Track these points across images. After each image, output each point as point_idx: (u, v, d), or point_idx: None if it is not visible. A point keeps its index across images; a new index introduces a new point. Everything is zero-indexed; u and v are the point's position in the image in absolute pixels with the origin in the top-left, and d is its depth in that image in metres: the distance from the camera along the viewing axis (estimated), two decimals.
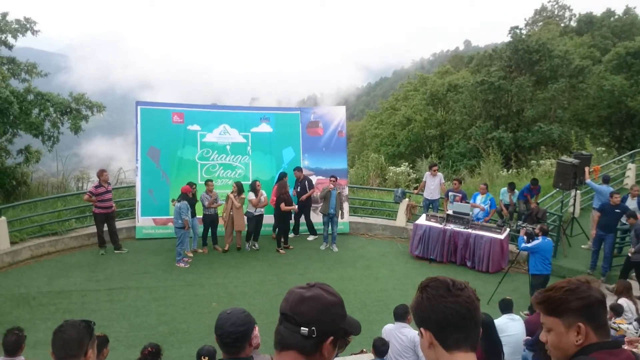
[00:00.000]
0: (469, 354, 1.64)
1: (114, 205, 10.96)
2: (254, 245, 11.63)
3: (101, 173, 10.76)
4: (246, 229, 11.37)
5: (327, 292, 1.65)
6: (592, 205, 11.80)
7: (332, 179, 11.59)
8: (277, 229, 11.96)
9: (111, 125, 77.36)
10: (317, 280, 1.73)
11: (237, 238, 11.43)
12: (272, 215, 11.96)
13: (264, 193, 11.40)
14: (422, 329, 1.68)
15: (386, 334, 5.98)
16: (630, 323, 6.94)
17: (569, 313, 1.83)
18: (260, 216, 11.48)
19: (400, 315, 6.04)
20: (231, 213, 11.07)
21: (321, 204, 11.82)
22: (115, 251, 10.91)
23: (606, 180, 11.89)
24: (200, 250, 11.25)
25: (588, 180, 11.55)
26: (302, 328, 1.57)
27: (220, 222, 11.33)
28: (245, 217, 11.25)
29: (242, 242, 11.53)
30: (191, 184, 10.79)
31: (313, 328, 1.58)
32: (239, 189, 11.10)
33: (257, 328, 2.78)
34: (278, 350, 1.62)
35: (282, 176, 11.76)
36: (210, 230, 11.31)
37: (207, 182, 11.13)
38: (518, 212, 11.95)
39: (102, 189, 10.56)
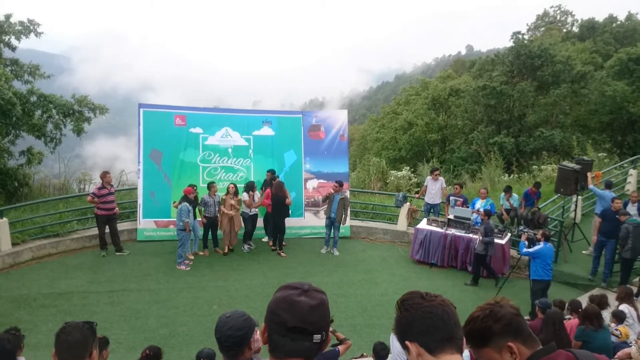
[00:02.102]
0: (454, 355, 1.66)
1: (116, 207, 10.99)
2: (250, 245, 11.71)
3: (104, 175, 10.79)
4: (242, 230, 11.50)
5: (322, 292, 1.65)
6: (594, 210, 11.79)
7: (336, 185, 11.58)
8: (269, 233, 11.96)
9: (113, 127, 77.46)
10: (319, 285, 1.73)
11: (234, 238, 11.49)
12: (264, 218, 11.98)
13: (257, 194, 11.46)
14: (407, 343, 1.70)
15: (393, 338, 5.97)
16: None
17: (495, 337, 1.86)
18: (255, 216, 11.54)
19: None
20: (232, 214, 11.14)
21: (324, 206, 11.85)
22: (117, 253, 10.93)
23: (609, 185, 11.88)
24: (201, 253, 11.26)
25: (591, 186, 11.54)
26: (315, 336, 1.56)
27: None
28: (241, 217, 11.40)
29: (239, 242, 11.66)
30: (193, 186, 10.80)
31: (324, 332, 1.59)
32: (236, 190, 11.18)
33: (258, 332, 2.76)
34: (280, 357, 1.59)
35: (274, 177, 11.73)
36: (210, 232, 11.33)
37: (211, 184, 11.16)
38: (518, 217, 11.93)
39: (104, 190, 10.58)
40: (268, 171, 11.97)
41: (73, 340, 2.60)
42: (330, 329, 1.71)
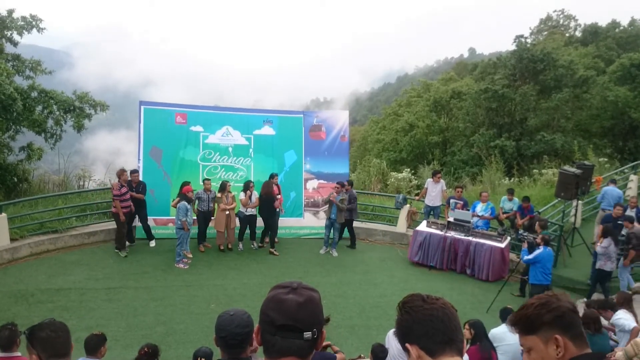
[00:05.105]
0: (455, 358, 1.66)
1: (131, 204, 10.91)
2: (252, 245, 11.72)
3: (121, 173, 10.76)
4: (237, 229, 11.55)
5: (312, 289, 1.65)
6: (601, 207, 11.97)
7: (338, 186, 11.55)
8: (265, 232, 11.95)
9: (114, 123, 77.44)
10: (317, 285, 1.72)
11: (231, 236, 11.51)
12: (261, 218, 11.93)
13: (256, 194, 11.45)
14: (407, 345, 1.69)
15: (389, 338, 5.95)
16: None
17: (544, 327, 1.83)
18: (253, 216, 11.51)
19: None
20: (227, 212, 11.16)
21: (324, 207, 11.85)
22: (115, 250, 10.90)
23: (613, 181, 12.00)
24: (202, 250, 11.30)
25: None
26: (305, 333, 1.56)
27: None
28: (237, 217, 11.46)
29: (235, 240, 11.69)
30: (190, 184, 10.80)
31: (315, 329, 1.58)
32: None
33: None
34: (273, 357, 1.58)
35: (273, 176, 11.72)
36: (205, 227, 11.39)
37: (205, 180, 11.23)
38: (516, 226, 11.83)
39: (124, 189, 10.56)
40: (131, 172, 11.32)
41: (62, 334, 2.57)
42: (326, 343, 1.71)
